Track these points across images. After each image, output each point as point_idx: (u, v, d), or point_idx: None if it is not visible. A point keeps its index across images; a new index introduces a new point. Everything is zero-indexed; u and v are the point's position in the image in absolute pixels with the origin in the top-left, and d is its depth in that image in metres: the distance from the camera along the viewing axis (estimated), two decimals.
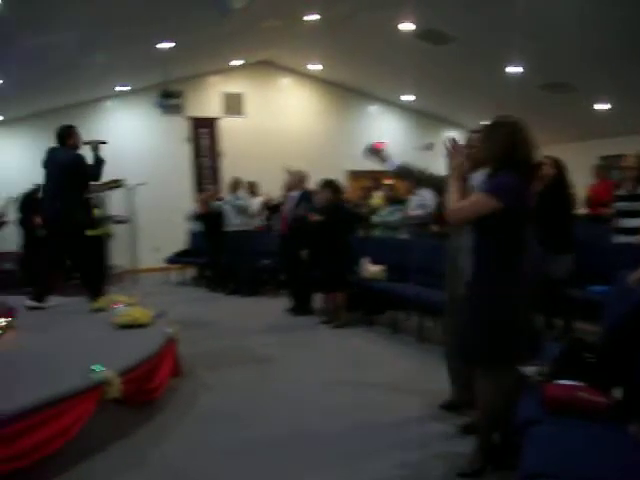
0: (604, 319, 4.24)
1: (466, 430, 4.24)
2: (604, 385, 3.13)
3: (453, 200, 3.42)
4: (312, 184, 9.17)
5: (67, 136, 6.42)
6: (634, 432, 2.72)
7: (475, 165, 3.77)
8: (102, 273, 11.04)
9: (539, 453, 2.62)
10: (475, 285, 3.47)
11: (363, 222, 9.54)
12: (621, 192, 6.88)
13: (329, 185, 8.10)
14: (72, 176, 6.30)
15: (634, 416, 2.97)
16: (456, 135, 12.75)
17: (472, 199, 3.37)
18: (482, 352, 3.41)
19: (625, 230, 6.72)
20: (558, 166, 6.39)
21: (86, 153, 6.54)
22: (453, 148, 3.56)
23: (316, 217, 8.14)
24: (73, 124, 6.57)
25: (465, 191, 3.47)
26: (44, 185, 6.68)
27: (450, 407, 4.62)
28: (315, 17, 11.61)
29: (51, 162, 6.39)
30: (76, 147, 6.47)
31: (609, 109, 13.93)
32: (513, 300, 3.34)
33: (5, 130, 14.13)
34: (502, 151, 3.32)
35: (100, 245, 10.96)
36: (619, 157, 7.68)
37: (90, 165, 6.46)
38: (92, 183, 6.84)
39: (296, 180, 9.01)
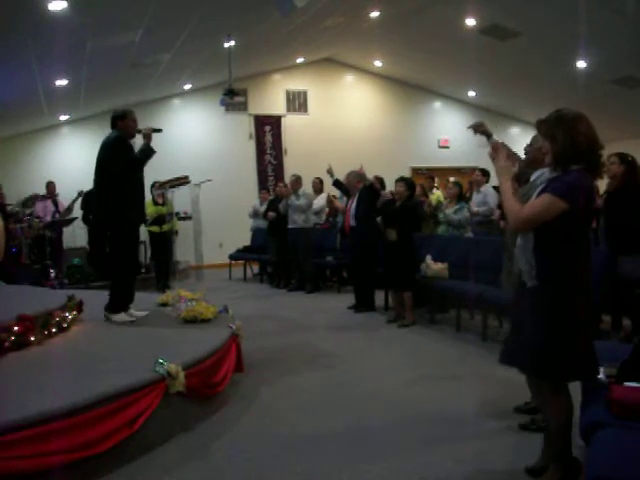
0: None
1: (525, 428, 4.21)
2: None
3: (512, 206, 3.21)
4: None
5: (119, 118, 5.88)
6: None
7: (536, 163, 3.66)
8: (167, 269, 11.27)
9: (605, 457, 2.56)
10: (537, 293, 3.25)
11: (428, 220, 9.47)
12: None
13: (405, 181, 8.07)
14: (117, 160, 5.70)
15: None
16: (518, 131, 12.64)
17: (539, 203, 3.15)
18: (542, 366, 3.23)
19: None
20: (627, 162, 6.21)
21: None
22: (495, 150, 3.38)
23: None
24: (139, 122, 6.22)
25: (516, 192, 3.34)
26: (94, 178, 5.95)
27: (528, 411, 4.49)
28: (377, 14, 11.58)
29: (100, 149, 5.85)
30: (126, 132, 5.90)
31: None
32: (577, 314, 3.14)
33: (72, 129, 14.49)
34: (575, 145, 3.11)
35: (166, 241, 11.14)
36: None
37: (132, 151, 5.88)
38: (156, 180, 6.69)
39: (354, 179, 9.01)
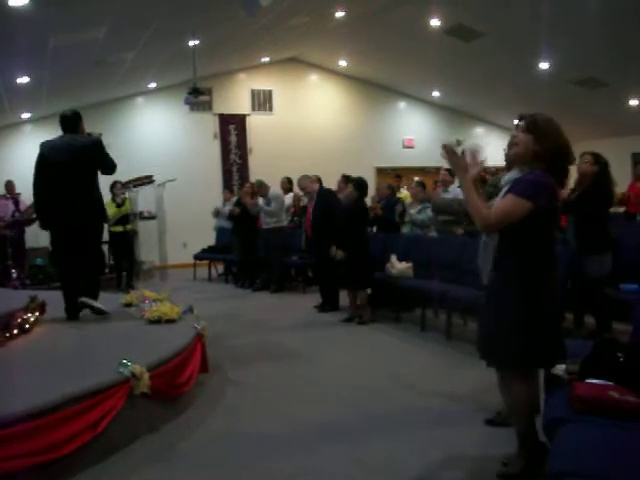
0: (635, 317, 4.19)
1: (491, 423, 4.27)
2: (635, 384, 3.09)
3: (478, 208, 3.24)
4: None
5: (80, 121, 5.87)
6: None
7: (511, 163, 3.70)
8: (130, 269, 11.19)
9: (566, 452, 2.60)
10: (502, 287, 3.34)
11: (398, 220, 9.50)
12: None
13: (352, 181, 8.08)
14: (94, 165, 5.78)
15: None
16: (483, 132, 12.74)
17: (504, 204, 3.22)
18: (509, 355, 3.32)
19: None
20: (601, 163, 6.26)
21: None
22: (449, 154, 3.40)
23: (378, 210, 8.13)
24: (103, 120, 6.29)
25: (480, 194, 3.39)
26: (55, 179, 5.69)
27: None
28: (343, 14, 11.60)
29: (66, 150, 5.70)
30: (82, 134, 5.93)
31: None
32: (541, 303, 3.23)
33: (35, 127, 14.25)
34: (549, 149, 3.20)
35: (129, 241, 11.05)
36: None
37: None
38: (116, 180, 6.69)
39: (309, 182, 9.06)
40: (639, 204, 9.10)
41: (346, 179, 8.71)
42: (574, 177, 6.41)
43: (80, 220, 5.73)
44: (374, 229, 9.81)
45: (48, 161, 5.69)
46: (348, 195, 7.97)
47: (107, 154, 5.87)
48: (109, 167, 5.91)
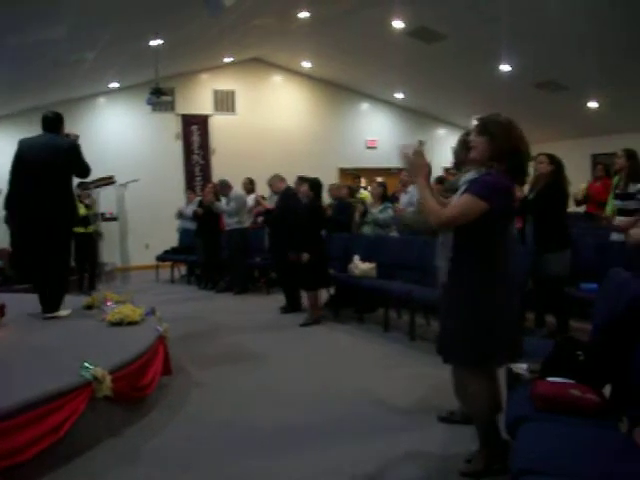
0: (594, 317, 4.26)
1: (444, 421, 4.35)
2: (594, 383, 3.15)
3: (433, 206, 3.29)
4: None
5: (59, 122, 5.98)
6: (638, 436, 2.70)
7: (460, 164, 3.76)
8: (92, 271, 11.06)
9: (529, 450, 2.63)
10: (456, 285, 3.40)
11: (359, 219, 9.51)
12: (617, 191, 6.91)
13: (307, 182, 8.07)
14: (70, 166, 5.84)
15: (623, 413, 3.00)
16: (445, 133, 12.82)
17: (460, 203, 3.27)
18: (463, 353, 3.38)
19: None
20: (556, 163, 6.37)
21: None
22: (403, 155, 3.42)
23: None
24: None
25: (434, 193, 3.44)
26: (26, 178, 5.74)
27: None
28: (306, 15, 11.60)
29: (44, 150, 5.74)
30: (61, 136, 6.03)
31: (600, 107, 13.98)
32: (496, 300, 3.29)
33: None
34: (503, 149, 3.25)
35: (91, 242, 10.94)
36: (610, 155, 7.71)
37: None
38: (82, 180, 6.67)
39: (276, 181, 9.05)
40: (599, 204, 9.22)
41: (301, 180, 8.71)
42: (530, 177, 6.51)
43: (52, 220, 5.74)
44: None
45: (25, 159, 5.77)
46: (304, 196, 7.97)
47: (82, 157, 5.95)
48: (84, 171, 6.02)
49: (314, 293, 7.98)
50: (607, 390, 3.19)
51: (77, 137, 6.26)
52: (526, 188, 6.40)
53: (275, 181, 9.10)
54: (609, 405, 3.05)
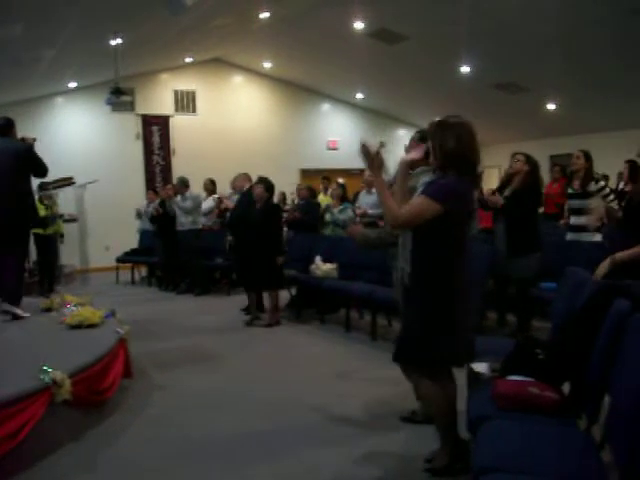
0: (553, 315, 4.32)
1: (406, 420, 4.39)
2: (554, 381, 3.19)
3: (390, 206, 3.31)
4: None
5: (11, 126, 6.10)
6: None
7: (413, 164, 3.79)
8: (52, 273, 10.92)
9: (490, 448, 2.66)
10: (415, 287, 3.43)
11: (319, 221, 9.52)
12: (572, 190, 7.00)
13: (262, 182, 8.03)
14: (27, 168, 5.95)
15: (581, 410, 3.05)
16: (406, 134, 12.83)
17: (415, 204, 3.30)
18: (419, 354, 3.41)
19: (575, 227, 6.85)
20: (532, 164, 6.36)
21: None
22: (366, 151, 3.41)
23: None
24: (21, 120, 6.31)
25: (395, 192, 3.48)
26: None
27: None
28: (267, 15, 11.58)
29: (1, 154, 5.85)
30: (15, 139, 6.14)
31: (558, 109, 14.17)
32: (454, 302, 3.32)
33: None
34: (449, 151, 3.28)
35: (50, 244, 10.80)
36: (567, 156, 7.82)
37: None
38: (42, 180, 6.64)
39: (240, 179, 8.99)
40: (556, 205, 9.36)
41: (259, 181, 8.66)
42: (499, 177, 6.58)
43: (10, 222, 5.78)
44: (290, 231, 9.85)
45: None
46: (260, 196, 7.91)
47: (38, 159, 6.03)
48: (43, 171, 6.10)
49: (274, 294, 7.97)
50: (566, 388, 3.24)
51: (34, 140, 6.24)
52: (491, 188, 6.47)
53: (240, 180, 8.98)
54: (568, 403, 3.10)
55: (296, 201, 10.86)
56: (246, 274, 8.16)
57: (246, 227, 8.01)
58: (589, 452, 2.66)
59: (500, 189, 6.48)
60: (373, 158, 3.38)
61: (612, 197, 6.69)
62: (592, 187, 6.73)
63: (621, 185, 8.81)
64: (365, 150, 3.39)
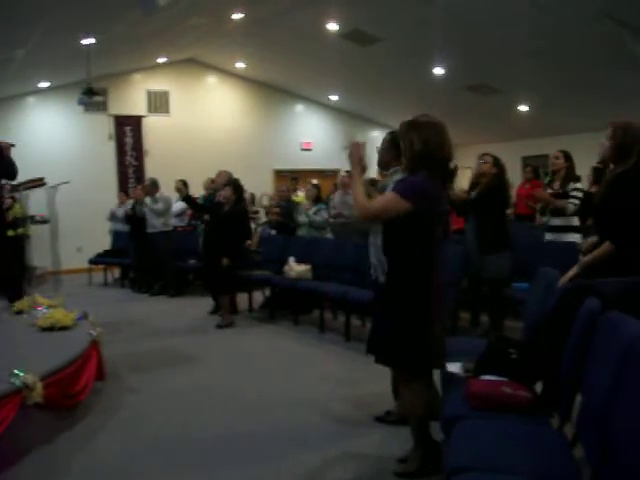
0: (525, 315, 4.36)
1: (380, 421, 4.40)
2: (526, 380, 3.22)
3: (361, 199, 3.35)
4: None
5: None
6: None
7: (385, 164, 3.83)
8: (22, 275, 10.79)
9: (463, 448, 2.68)
10: (389, 287, 3.44)
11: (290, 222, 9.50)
12: (550, 190, 7.05)
13: (230, 183, 7.98)
14: None
15: (554, 409, 3.07)
16: (379, 135, 12.84)
17: (383, 199, 3.36)
18: (394, 354, 3.43)
19: (552, 228, 6.90)
20: (499, 166, 6.48)
21: None
22: (352, 146, 3.50)
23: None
24: None
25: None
26: None
27: None
28: (241, 16, 11.55)
29: None
30: None
31: (530, 110, 14.29)
32: (428, 303, 3.33)
33: None
34: (419, 151, 3.30)
35: (20, 246, 10.68)
36: (539, 157, 7.88)
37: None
38: (10, 182, 6.58)
39: (223, 180, 8.87)
40: (529, 206, 9.44)
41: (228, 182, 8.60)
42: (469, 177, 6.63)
43: None
44: (273, 232, 9.84)
45: None
46: (228, 198, 7.86)
47: (10, 158, 6.01)
48: (13, 172, 6.10)
49: (228, 297, 7.99)
50: (539, 387, 3.27)
51: (12, 146, 6.17)
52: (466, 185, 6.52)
53: (223, 176, 8.73)
54: (541, 402, 3.12)
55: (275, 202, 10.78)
56: (210, 277, 8.11)
57: (212, 228, 7.98)
58: (561, 450, 2.69)
59: (470, 190, 6.58)
60: (361, 158, 3.43)
61: (576, 201, 6.69)
62: (569, 187, 6.78)
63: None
64: (355, 149, 3.44)
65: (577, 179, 6.82)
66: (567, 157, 6.80)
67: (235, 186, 7.89)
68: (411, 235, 3.31)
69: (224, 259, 7.82)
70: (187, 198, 8.75)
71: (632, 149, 3.54)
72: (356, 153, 3.47)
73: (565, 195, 6.67)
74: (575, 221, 6.70)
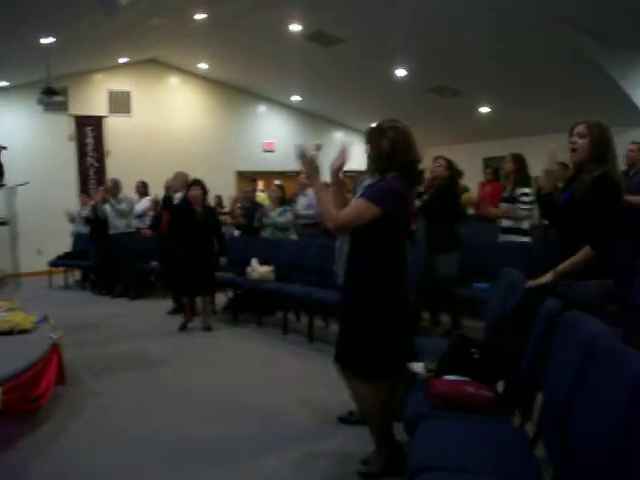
0: (487, 315, 4.40)
1: (343, 421, 4.42)
2: (488, 379, 3.25)
3: (328, 209, 3.34)
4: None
5: None
6: None
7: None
8: None
9: (426, 448, 2.70)
10: (352, 290, 3.44)
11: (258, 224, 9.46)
12: (503, 193, 7.14)
13: (199, 183, 7.92)
14: None
15: (515, 408, 3.11)
16: (342, 136, 12.89)
17: (353, 207, 3.34)
18: (357, 357, 3.42)
19: (503, 229, 6.99)
20: (452, 170, 6.61)
21: None
22: (303, 156, 3.48)
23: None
24: None
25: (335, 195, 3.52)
26: None
27: None
28: (203, 16, 11.50)
29: None
30: None
31: (491, 112, 14.44)
32: (391, 305, 3.35)
33: None
34: (387, 155, 3.32)
35: None
36: (500, 158, 7.95)
37: None
38: None
39: (181, 181, 8.76)
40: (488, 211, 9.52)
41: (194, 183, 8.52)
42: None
43: None
44: (236, 233, 9.80)
45: None
46: (197, 198, 7.77)
47: None
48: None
49: (211, 298, 7.93)
50: (501, 386, 3.30)
51: (3, 148, 6.07)
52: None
53: (181, 178, 8.60)
54: (502, 401, 3.16)
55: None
56: (182, 278, 8.01)
57: (184, 230, 7.87)
58: (523, 449, 2.72)
59: (424, 192, 6.68)
60: (309, 162, 3.41)
61: (527, 206, 6.76)
62: (517, 192, 6.84)
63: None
64: (301, 154, 3.42)
65: (527, 183, 6.88)
66: (517, 160, 6.83)
67: (202, 187, 7.81)
68: (379, 238, 3.31)
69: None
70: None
71: (607, 150, 3.54)
72: (309, 170, 3.47)
73: (512, 199, 6.74)
74: (524, 224, 6.78)
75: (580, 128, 3.61)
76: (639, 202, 5.55)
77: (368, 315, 3.33)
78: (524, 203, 6.67)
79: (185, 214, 7.77)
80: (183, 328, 7.87)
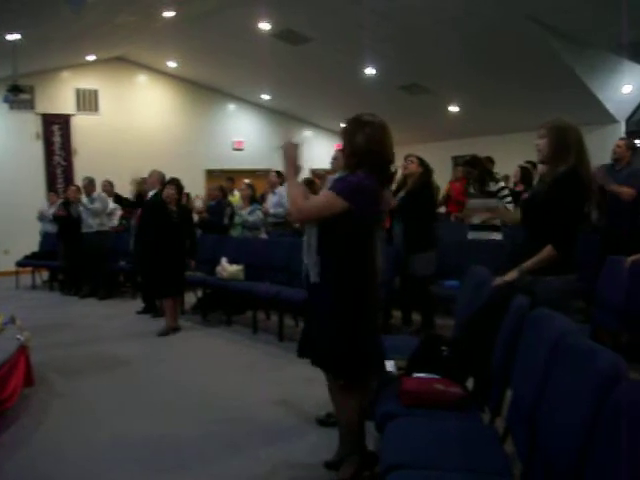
0: (456, 313, 4.43)
1: (322, 423, 4.38)
2: (458, 377, 3.27)
3: (296, 197, 3.27)
4: None
5: None
6: None
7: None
8: None
9: (397, 446, 2.71)
10: (323, 288, 3.36)
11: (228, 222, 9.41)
12: (471, 191, 7.22)
13: (175, 182, 7.85)
14: None
15: (485, 405, 3.14)
16: (312, 135, 12.92)
17: (320, 198, 3.32)
18: (329, 357, 3.36)
19: (473, 226, 7.06)
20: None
21: None
22: (287, 146, 3.42)
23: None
24: None
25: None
26: None
27: None
28: (172, 14, 11.43)
29: None
30: None
31: (460, 111, 14.52)
32: (362, 305, 3.29)
33: None
34: (361, 149, 3.27)
35: None
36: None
37: None
38: None
39: (155, 179, 8.64)
40: (458, 203, 9.60)
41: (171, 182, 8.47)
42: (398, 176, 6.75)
43: None
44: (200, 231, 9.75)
45: None
46: (171, 197, 7.69)
47: None
48: None
49: (180, 300, 7.91)
50: (471, 383, 3.33)
51: None
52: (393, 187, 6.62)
53: (155, 177, 8.26)
54: (472, 398, 3.19)
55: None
56: (154, 279, 7.91)
57: (157, 230, 7.76)
58: (493, 445, 2.75)
59: (397, 191, 6.70)
60: (293, 146, 3.39)
61: (509, 198, 6.91)
62: (492, 187, 6.94)
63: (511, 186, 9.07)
64: (289, 149, 3.39)
65: (496, 180, 7.01)
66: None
67: (177, 186, 7.74)
68: (347, 234, 3.24)
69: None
70: (117, 197, 8.65)
71: (570, 149, 3.57)
72: (290, 153, 3.38)
73: (490, 194, 6.81)
74: (496, 220, 6.86)
75: (541, 130, 3.69)
76: (628, 192, 5.70)
77: (336, 314, 3.27)
78: (505, 197, 6.78)
79: (158, 212, 7.68)
80: (164, 334, 7.59)
